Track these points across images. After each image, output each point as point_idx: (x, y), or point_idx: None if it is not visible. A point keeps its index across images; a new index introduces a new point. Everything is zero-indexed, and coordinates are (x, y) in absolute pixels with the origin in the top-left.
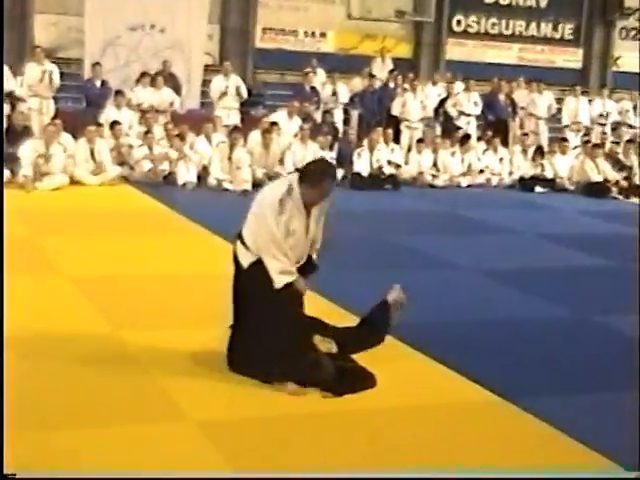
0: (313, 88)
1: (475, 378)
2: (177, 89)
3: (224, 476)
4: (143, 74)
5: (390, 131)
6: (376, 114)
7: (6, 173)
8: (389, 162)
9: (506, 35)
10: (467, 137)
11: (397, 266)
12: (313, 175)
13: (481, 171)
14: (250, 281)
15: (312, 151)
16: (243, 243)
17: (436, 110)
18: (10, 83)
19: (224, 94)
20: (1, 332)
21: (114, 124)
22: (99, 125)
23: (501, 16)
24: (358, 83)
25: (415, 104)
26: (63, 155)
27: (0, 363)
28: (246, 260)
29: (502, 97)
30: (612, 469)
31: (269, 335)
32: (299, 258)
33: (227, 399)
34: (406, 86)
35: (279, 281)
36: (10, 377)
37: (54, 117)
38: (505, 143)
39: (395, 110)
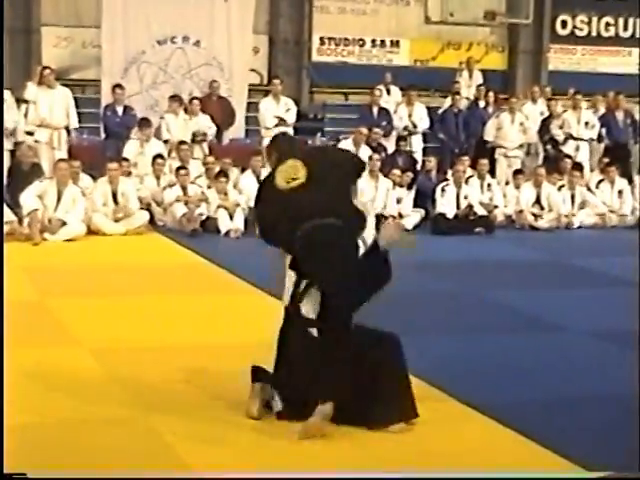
0: (383, 110)
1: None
2: (229, 117)
3: (221, 476)
4: (172, 97)
5: (485, 162)
6: (461, 140)
7: (12, 220)
8: (481, 203)
9: (624, 38)
10: (578, 167)
11: (490, 328)
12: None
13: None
14: None
15: (384, 188)
16: None
17: (538, 133)
18: (12, 113)
19: (282, 121)
20: (1, 331)
21: (156, 158)
22: (124, 160)
23: (617, 14)
24: (448, 102)
25: (513, 127)
26: (82, 199)
27: (0, 362)
28: None
29: (620, 115)
30: (573, 470)
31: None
32: None
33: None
34: (504, 107)
35: None
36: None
37: (68, 152)
38: (626, 173)
39: (489, 134)
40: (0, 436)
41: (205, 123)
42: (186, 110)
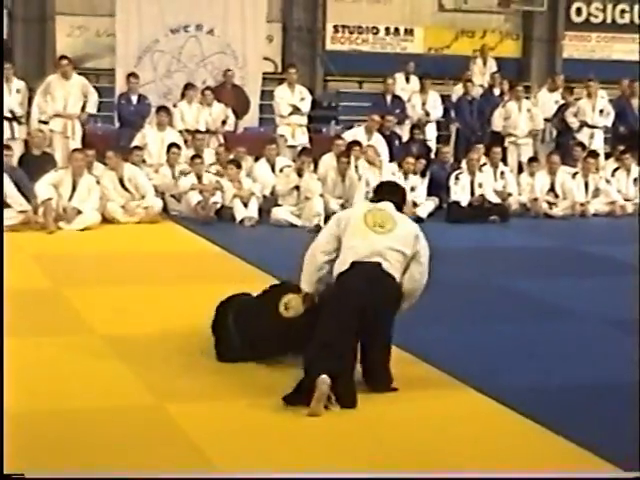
0: (396, 98)
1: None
2: (243, 105)
3: (221, 476)
4: (187, 86)
5: (498, 150)
6: (476, 129)
7: (27, 209)
8: (496, 191)
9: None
10: (592, 154)
11: (505, 317)
12: None
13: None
14: None
15: (397, 177)
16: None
17: (553, 121)
18: (25, 102)
19: (297, 109)
20: (1, 335)
21: (171, 147)
22: (136, 149)
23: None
24: (459, 90)
25: (521, 115)
26: (97, 188)
27: (0, 363)
28: None
29: (635, 103)
30: (610, 470)
31: None
32: None
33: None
34: (519, 92)
35: None
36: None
37: (82, 141)
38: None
39: (496, 124)
40: (0, 437)
41: (220, 112)
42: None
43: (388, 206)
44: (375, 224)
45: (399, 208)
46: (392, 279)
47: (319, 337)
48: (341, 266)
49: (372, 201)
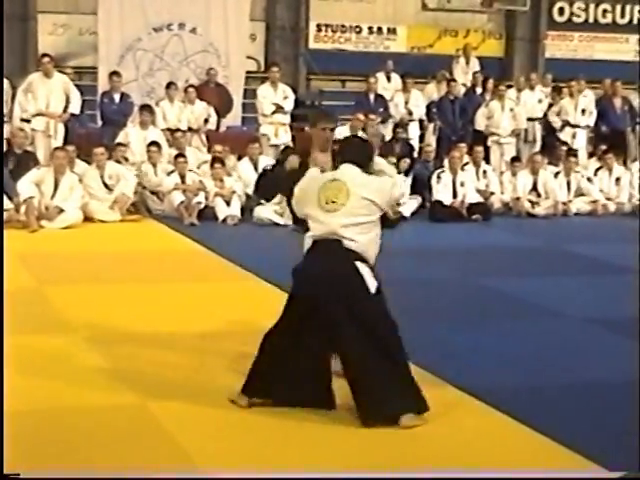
0: (379, 97)
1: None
2: (226, 104)
3: (204, 476)
4: (169, 85)
5: (480, 149)
6: (458, 128)
7: (9, 207)
8: (478, 190)
9: (621, 25)
10: (573, 153)
11: (487, 315)
12: None
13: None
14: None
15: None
16: (360, 259)
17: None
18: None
19: (280, 108)
20: (1, 341)
21: (152, 145)
22: (120, 145)
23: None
24: (431, 90)
25: (504, 114)
26: (79, 187)
27: (0, 364)
28: (373, 283)
29: (618, 102)
30: (595, 470)
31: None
32: None
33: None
34: (502, 91)
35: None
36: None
37: (65, 140)
38: (623, 160)
39: (479, 123)
40: (0, 438)
41: (202, 110)
42: (184, 98)
43: (345, 172)
44: (327, 201)
45: (364, 167)
46: (353, 258)
47: (274, 350)
48: (306, 244)
49: (338, 162)
